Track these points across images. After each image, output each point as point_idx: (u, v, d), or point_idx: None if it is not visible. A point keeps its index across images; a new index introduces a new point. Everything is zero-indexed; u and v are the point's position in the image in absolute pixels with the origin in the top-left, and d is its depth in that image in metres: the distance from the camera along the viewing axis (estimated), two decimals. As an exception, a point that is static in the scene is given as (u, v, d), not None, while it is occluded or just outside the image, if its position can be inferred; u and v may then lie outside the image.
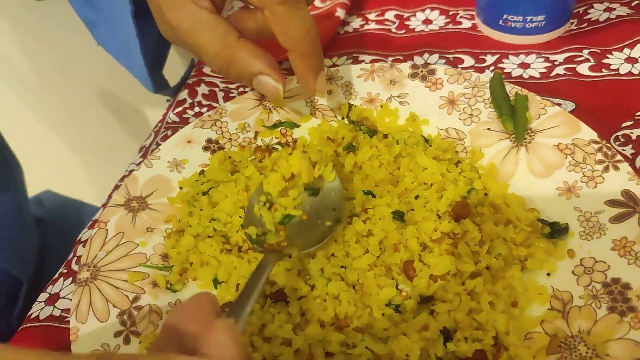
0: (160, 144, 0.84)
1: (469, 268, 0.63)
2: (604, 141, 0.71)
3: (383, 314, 0.61)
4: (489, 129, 0.79)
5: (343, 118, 0.84)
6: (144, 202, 0.77)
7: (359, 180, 0.74)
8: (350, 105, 0.84)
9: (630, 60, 0.88)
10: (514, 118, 0.77)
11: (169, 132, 0.92)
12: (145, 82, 1.00)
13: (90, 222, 0.83)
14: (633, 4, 0.95)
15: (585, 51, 0.91)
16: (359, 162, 0.76)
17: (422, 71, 0.85)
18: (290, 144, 0.84)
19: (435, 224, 0.66)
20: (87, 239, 0.76)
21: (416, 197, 0.70)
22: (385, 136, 0.79)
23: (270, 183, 0.71)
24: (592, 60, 0.89)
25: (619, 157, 0.69)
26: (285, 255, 0.66)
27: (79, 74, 1.42)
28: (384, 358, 0.59)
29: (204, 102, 0.97)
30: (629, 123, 0.80)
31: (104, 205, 0.83)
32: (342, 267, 0.66)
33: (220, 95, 0.97)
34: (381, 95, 0.85)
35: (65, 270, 0.76)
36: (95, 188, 1.59)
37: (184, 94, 0.99)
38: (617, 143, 0.78)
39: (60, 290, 0.74)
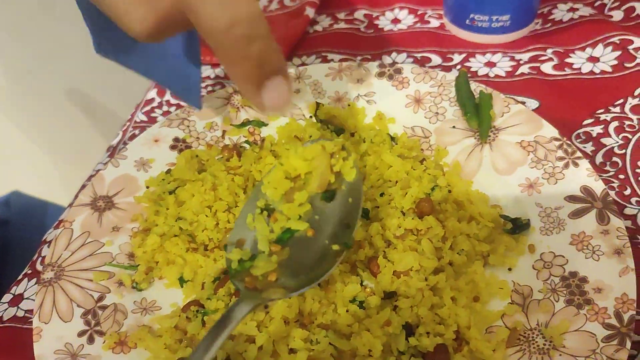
0: (127, 143, 0.84)
1: (432, 264, 0.63)
2: (565, 138, 0.73)
3: (347, 310, 0.62)
4: (454, 127, 0.80)
5: (311, 117, 0.85)
6: (111, 201, 0.77)
7: (326, 178, 0.75)
8: (318, 104, 0.84)
9: (592, 59, 0.89)
10: (478, 116, 0.78)
11: (137, 132, 0.92)
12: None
13: (57, 222, 0.82)
14: (596, 4, 0.97)
15: (549, 50, 0.92)
16: (326, 161, 0.76)
17: (389, 70, 0.86)
18: (258, 142, 0.84)
19: (399, 220, 0.66)
20: (52, 239, 0.76)
21: (381, 195, 0.71)
22: (352, 135, 0.80)
23: (272, 183, 0.62)
24: (555, 60, 0.91)
25: (578, 154, 0.71)
26: (264, 302, 0.56)
27: (48, 73, 1.40)
28: (347, 354, 0.59)
29: (172, 102, 0.96)
30: (589, 121, 0.81)
31: (71, 205, 0.83)
32: (307, 264, 0.67)
33: (189, 94, 0.97)
34: (349, 94, 0.86)
35: (29, 271, 0.76)
36: (65, 188, 1.57)
37: (152, 93, 0.98)
38: (578, 140, 0.80)
39: (25, 291, 0.73)
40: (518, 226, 0.68)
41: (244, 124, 0.85)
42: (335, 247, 0.60)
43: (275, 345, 0.60)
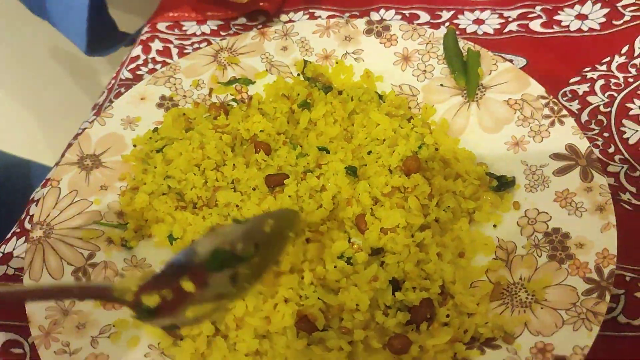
0: (113, 102, 0.83)
1: (419, 221, 0.64)
2: (551, 97, 0.73)
3: (335, 267, 0.62)
4: (441, 85, 0.80)
5: (298, 74, 0.84)
6: (98, 160, 0.76)
7: (314, 137, 0.75)
8: (306, 62, 0.84)
9: (580, 17, 0.89)
10: (466, 74, 0.78)
11: (123, 90, 0.91)
12: (80, 43, 0.97)
13: (44, 181, 0.82)
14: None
15: (538, 7, 0.92)
16: (314, 119, 0.76)
17: (377, 27, 0.85)
18: (246, 100, 0.83)
19: (386, 178, 0.67)
20: (40, 198, 0.76)
21: (369, 153, 0.71)
22: (340, 93, 0.80)
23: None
24: (544, 17, 0.90)
25: (564, 112, 0.71)
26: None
27: (30, 30, 1.37)
28: (335, 308, 0.60)
29: (158, 59, 0.95)
30: (576, 79, 0.82)
31: (57, 164, 0.82)
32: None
33: (174, 51, 0.96)
34: (336, 51, 0.85)
35: (18, 230, 0.76)
36: (49, 147, 1.56)
37: (137, 51, 0.97)
38: (564, 99, 0.80)
39: (14, 250, 0.74)
40: (503, 184, 0.69)
41: (231, 82, 0.84)
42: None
43: (263, 303, 0.60)
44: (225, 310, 0.57)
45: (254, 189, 0.70)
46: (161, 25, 1.00)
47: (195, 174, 0.72)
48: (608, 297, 0.56)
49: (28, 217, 0.77)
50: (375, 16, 0.95)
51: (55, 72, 1.55)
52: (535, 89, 0.74)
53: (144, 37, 0.98)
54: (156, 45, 0.97)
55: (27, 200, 0.81)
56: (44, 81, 1.55)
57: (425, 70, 0.81)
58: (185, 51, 0.95)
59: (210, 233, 0.58)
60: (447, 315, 0.59)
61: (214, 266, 0.51)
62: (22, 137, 1.58)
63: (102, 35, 0.95)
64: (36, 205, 0.77)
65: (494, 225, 0.67)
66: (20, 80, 1.56)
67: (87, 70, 1.57)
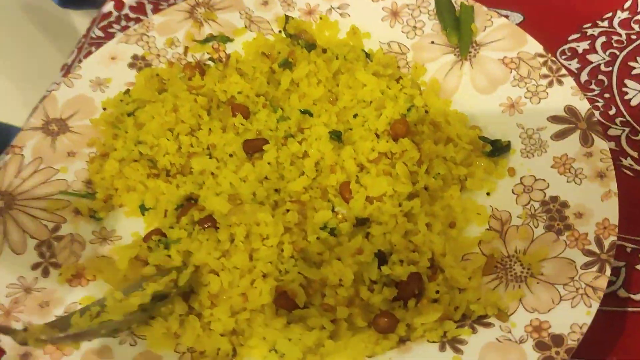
0: (82, 62, 0.77)
1: (407, 189, 0.60)
2: (550, 55, 0.68)
3: (318, 238, 0.59)
4: (432, 42, 0.74)
5: (280, 31, 0.79)
6: (64, 124, 0.71)
7: (296, 99, 0.70)
8: (288, 18, 0.78)
9: (582, -32, 0.83)
10: (458, 30, 0.73)
11: (93, 49, 0.85)
12: None
13: (8, 148, 0.77)
14: None
15: (536, -41, 0.86)
16: (296, 80, 0.71)
17: (364, -20, 0.79)
18: (223, 59, 0.78)
19: (373, 143, 0.62)
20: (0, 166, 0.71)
21: (355, 116, 0.67)
22: (325, 51, 0.74)
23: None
24: (542, -31, 0.85)
25: (563, 71, 0.67)
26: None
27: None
28: (317, 284, 0.57)
29: (131, 15, 0.89)
30: (575, 36, 0.77)
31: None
32: (275, 190, 0.63)
33: (149, 7, 0.90)
34: (321, 6, 0.79)
35: (-20, 199, 0.71)
36: (28, 111, 1.50)
37: (109, 7, 0.90)
38: (563, 57, 0.75)
39: (-24, 221, 0.69)
40: (498, 148, 0.65)
41: (207, 40, 0.79)
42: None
43: (240, 278, 0.57)
44: None
45: (230, 155, 0.65)
46: (134, -21, 0.93)
47: (168, 139, 0.67)
48: (608, 271, 0.52)
49: (-10, 186, 0.72)
50: (362, -32, 0.89)
51: (28, 30, 1.47)
52: (533, 46, 0.69)
53: (116, -8, 0.92)
54: (129, 0, 0.90)
55: None
56: (16, 40, 1.48)
57: (415, 27, 0.76)
58: (160, 7, 0.89)
59: None
60: (437, 291, 0.56)
61: None
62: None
63: None
64: (-2, 173, 0.72)
65: (488, 193, 0.64)
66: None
67: (62, 28, 1.50)
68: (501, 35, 0.71)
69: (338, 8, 0.79)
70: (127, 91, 0.74)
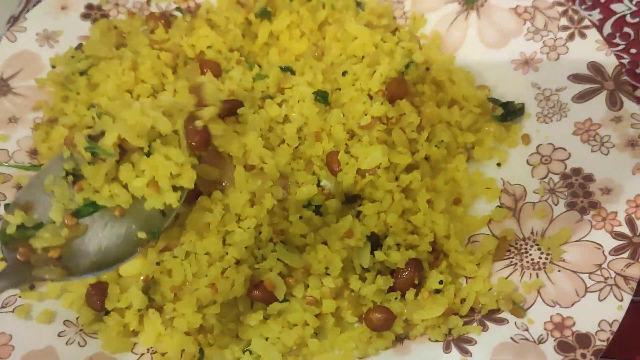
0: (28, 12, 0.68)
1: (405, 160, 0.52)
2: (570, 3, 0.60)
3: (300, 217, 0.51)
4: (434, -12, 0.66)
5: (258, -24, 0.69)
6: (6, 85, 0.63)
7: (275, 54, 0.62)
8: (266, -40, 0.69)
9: None
10: (464, -25, 0.64)
11: (44, -2, 0.75)
12: None
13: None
14: None
15: None
16: (276, 32, 0.63)
17: None
18: (193, 10, 0.69)
19: (365, 106, 0.54)
20: None
21: (344, 74, 0.58)
22: (309, -1, 0.66)
23: (82, 141, 0.48)
24: None
25: (587, 22, 0.58)
26: (31, 281, 0.48)
27: None
28: (299, 273, 0.49)
29: (89, -40, 0.79)
30: (598, -18, 0.68)
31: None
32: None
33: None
34: (305, -53, 0.70)
35: None
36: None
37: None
38: (582, 7, 0.67)
39: None
40: (510, 112, 0.58)
41: (174, -14, 0.69)
42: (142, 234, 0.48)
43: (208, 267, 0.49)
44: None
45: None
46: None
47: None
48: (644, 258, 0.45)
49: None
50: None
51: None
52: (550, -8, 0.61)
53: None
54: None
55: None
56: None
57: (414, -29, 0.67)
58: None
59: None
60: (440, 281, 0.48)
61: None
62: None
63: None
64: None
65: (498, 164, 0.57)
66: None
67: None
68: (514, -21, 0.63)
69: (325, -51, 0.70)
70: (80, 46, 0.66)
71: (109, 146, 0.47)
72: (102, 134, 0.48)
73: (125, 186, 0.48)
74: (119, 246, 0.48)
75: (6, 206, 0.52)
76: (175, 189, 0.48)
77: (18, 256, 0.46)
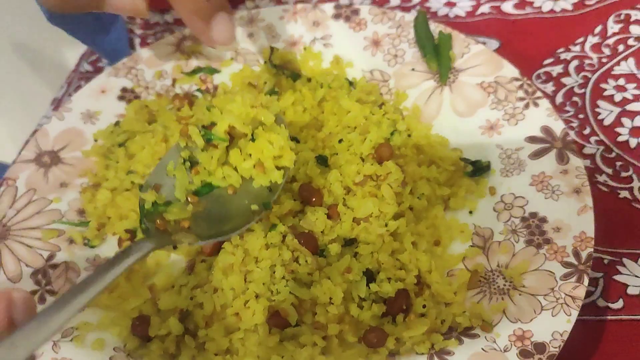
0: (72, 95, 0.80)
1: (392, 209, 0.62)
2: (525, 78, 0.71)
3: (307, 261, 0.60)
4: (413, 69, 0.78)
5: (265, 62, 0.81)
6: (57, 156, 0.73)
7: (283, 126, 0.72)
8: (273, 49, 0.81)
9: (553, -3, 0.88)
10: (438, 57, 0.76)
11: (83, 83, 0.87)
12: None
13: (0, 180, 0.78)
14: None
15: (510, -11, 0.90)
16: (283, 108, 0.73)
17: (345, 11, 0.83)
18: (211, 90, 0.80)
19: (358, 166, 0.65)
20: (-4, 198, 0.72)
21: (340, 141, 0.69)
22: (309, 80, 0.77)
23: (196, 132, 0.58)
24: (515, -2, 0.89)
25: (539, 94, 0.70)
26: (172, 243, 0.56)
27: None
28: (308, 303, 0.58)
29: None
30: (550, 60, 0.80)
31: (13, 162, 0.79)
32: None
33: (137, 41, 0.92)
34: (304, 37, 0.83)
35: (-26, 231, 0.72)
36: (15, 146, 1.51)
37: (98, 42, 0.93)
38: (538, 81, 0.79)
39: (-29, 253, 0.70)
40: (479, 169, 0.67)
41: (195, 72, 0.81)
42: (254, 207, 0.59)
43: (233, 299, 0.58)
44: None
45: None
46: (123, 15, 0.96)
47: (159, 169, 0.69)
48: (586, 281, 0.55)
49: (-15, 218, 0.73)
50: (343, 0, 0.93)
51: (17, 66, 1.49)
52: (509, 70, 0.72)
53: (105, 28, 0.94)
54: (118, 35, 0.93)
55: None
56: (5, 77, 1.50)
57: (396, 55, 0.79)
58: (148, 41, 0.91)
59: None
60: (424, 306, 0.57)
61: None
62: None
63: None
64: (-8, 205, 0.73)
65: (470, 212, 0.66)
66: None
67: (50, 64, 1.52)
68: (479, 61, 0.74)
69: (321, 39, 0.82)
70: (117, 123, 0.76)
71: (221, 132, 0.58)
72: (212, 124, 0.59)
73: (235, 169, 0.60)
74: (236, 217, 0.58)
75: (140, 187, 0.61)
76: (278, 168, 0.59)
77: (156, 226, 0.57)
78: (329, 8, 0.83)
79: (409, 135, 0.71)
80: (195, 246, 0.63)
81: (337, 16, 0.83)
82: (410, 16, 0.81)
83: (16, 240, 0.65)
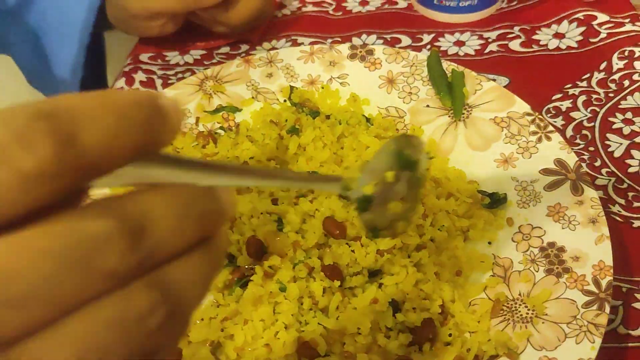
0: (99, 134, 0.82)
1: (415, 241, 0.64)
2: (537, 113, 0.74)
3: (333, 293, 0.62)
4: (427, 105, 0.81)
5: (285, 100, 0.84)
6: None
7: (304, 162, 0.75)
8: (292, 88, 0.84)
9: (558, 35, 0.91)
10: (451, 94, 0.79)
11: (108, 122, 0.90)
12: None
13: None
14: (559, -18, 0.99)
15: (516, 28, 0.94)
16: (303, 144, 0.76)
17: (360, 52, 0.86)
18: (233, 128, 0.83)
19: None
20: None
21: (360, 175, 0.71)
22: (328, 117, 0.80)
23: None
24: (522, 37, 0.92)
25: (550, 127, 0.72)
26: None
27: (9, 68, 1.36)
28: (336, 333, 0.60)
29: (142, 90, 0.95)
30: (558, 96, 0.83)
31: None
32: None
33: (158, 82, 0.95)
34: (322, 76, 0.86)
35: None
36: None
37: (120, 82, 0.96)
38: (548, 115, 0.81)
39: None
40: (495, 200, 0.69)
41: (217, 110, 0.84)
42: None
43: (263, 330, 0.60)
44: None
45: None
46: (143, 57, 0.99)
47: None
48: (608, 309, 0.56)
49: None
50: (357, 41, 0.96)
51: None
52: (521, 106, 0.75)
53: (126, 69, 0.98)
54: (139, 76, 0.96)
55: None
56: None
57: (410, 92, 0.82)
58: (169, 81, 0.95)
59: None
60: (450, 334, 0.59)
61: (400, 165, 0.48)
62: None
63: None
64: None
65: (489, 243, 0.68)
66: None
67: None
68: (491, 97, 0.78)
69: (338, 78, 0.85)
70: (145, 160, 0.78)
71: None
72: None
73: None
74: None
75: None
76: None
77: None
78: (344, 48, 0.87)
79: (427, 169, 0.73)
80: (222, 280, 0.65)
81: (352, 56, 0.86)
82: (423, 55, 0.84)
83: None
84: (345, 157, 0.75)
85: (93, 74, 1.03)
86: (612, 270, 0.59)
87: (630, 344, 0.60)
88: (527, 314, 0.59)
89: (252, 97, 0.85)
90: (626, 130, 0.78)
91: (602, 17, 0.92)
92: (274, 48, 0.98)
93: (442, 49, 0.93)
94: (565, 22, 0.92)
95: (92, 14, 0.90)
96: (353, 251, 0.64)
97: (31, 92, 1.19)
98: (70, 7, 0.91)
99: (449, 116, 0.79)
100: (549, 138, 0.72)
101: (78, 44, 0.91)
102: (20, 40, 0.99)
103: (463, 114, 0.78)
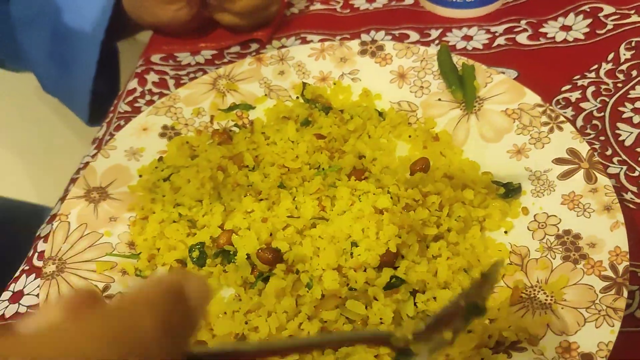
0: (114, 134, 0.83)
1: (432, 231, 0.65)
2: (548, 104, 0.75)
3: (356, 282, 0.63)
4: (439, 99, 0.82)
5: (297, 97, 0.85)
6: (105, 192, 0.76)
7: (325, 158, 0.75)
8: (304, 84, 0.85)
9: (565, 28, 0.92)
10: (462, 88, 0.80)
11: (122, 122, 0.91)
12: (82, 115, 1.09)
13: (49, 217, 0.82)
14: (564, -25, 1.00)
15: (523, 21, 0.95)
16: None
17: (371, 47, 0.87)
18: (247, 125, 0.84)
19: (394, 188, 0.68)
20: (47, 234, 0.75)
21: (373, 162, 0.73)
22: (341, 112, 0.81)
23: None
24: (529, 30, 0.93)
25: (562, 118, 0.73)
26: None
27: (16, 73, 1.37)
28: (359, 323, 0.61)
29: (155, 90, 0.96)
30: (567, 87, 0.84)
31: (62, 199, 0.82)
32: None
33: (171, 82, 0.97)
34: (333, 73, 0.87)
35: (27, 267, 0.75)
36: (36, 188, 1.55)
37: (133, 83, 0.97)
38: (558, 106, 0.82)
39: (24, 287, 0.73)
40: (510, 190, 0.70)
41: (231, 108, 0.85)
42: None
43: (287, 322, 0.61)
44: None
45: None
46: (155, 58, 1.01)
47: (203, 202, 0.72)
48: (626, 293, 0.57)
49: (36, 253, 0.76)
50: (366, 37, 0.97)
51: (43, 113, 1.54)
52: (531, 97, 0.76)
53: (138, 70, 0.99)
54: (152, 77, 0.98)
55: (22, 240, 0.80)
56: (31, 123, 1.54)
57: (422, 86, 0.83)
58: (182, 82, 0.96)
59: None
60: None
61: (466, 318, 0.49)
62: (12, 180, 1.56)
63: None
64: (44, 241, 0.76)
65: (505, 232, 0.69)
66: (8, 122, 1.55)
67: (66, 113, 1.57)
68: (501, 89, 0.79)
69: (349, 74, 0.86)
70: (161, 158, 0.80)
71: None
72: None
73: None
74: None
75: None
76: None
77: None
78: (354, 45, 0.88)
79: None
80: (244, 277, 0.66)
81: (363, 52, 0.87)
82: (433, 50, 0.85)
83: (72, 273, 0.68)
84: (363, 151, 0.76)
85: (107, 82, 1.05)
86: (628, 256, 0.60)
87: (647, 328, 0.61)
88: (546, 300, 0.60)
89: (265, 95, 0.86)
90: (636, 119, 0.79)
91: (608, 9, 0.93)
92: (283, 46, 0.99)
93: (450, 43, 0.94)
94: (571, 15, 0.93)
95: (106, 14, 0.92)
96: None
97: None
98: (86, 10, 0.92)
99: (461, 109, 0.80)
100: (560, 128, 0.73)
101: (93, 45, 0.93)
102: (36, 47, 1.01)
103: (475, 106, 0.79)
